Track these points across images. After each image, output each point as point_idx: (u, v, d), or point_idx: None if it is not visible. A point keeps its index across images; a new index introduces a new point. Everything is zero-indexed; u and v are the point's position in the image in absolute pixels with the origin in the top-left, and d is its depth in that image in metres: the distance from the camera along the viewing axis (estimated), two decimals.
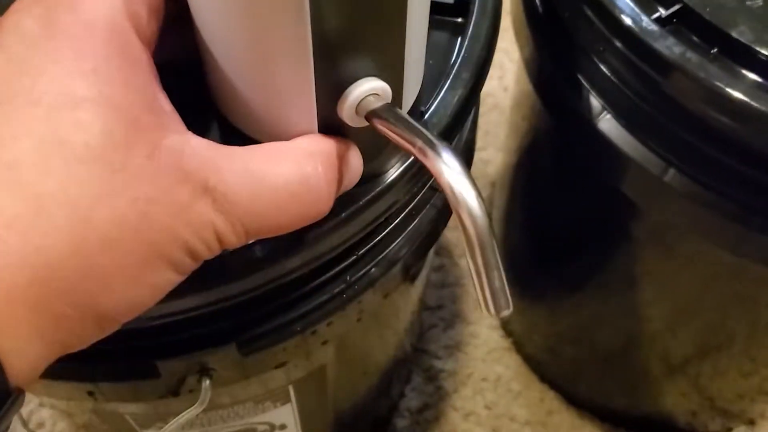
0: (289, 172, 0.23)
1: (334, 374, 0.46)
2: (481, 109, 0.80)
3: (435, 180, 0.22)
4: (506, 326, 0.69)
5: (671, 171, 0.36)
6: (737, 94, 0.31)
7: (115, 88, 0.21)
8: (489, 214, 0.21)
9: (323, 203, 0.24)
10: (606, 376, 0.62)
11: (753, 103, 0.31)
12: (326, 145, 0.24)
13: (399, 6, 0.22)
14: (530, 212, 0.58)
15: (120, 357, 0.32)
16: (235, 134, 0.27)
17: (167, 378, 0.32)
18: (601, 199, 0.45)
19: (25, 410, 0.57)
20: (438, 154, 0.22)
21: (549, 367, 0.66)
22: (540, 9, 0.40)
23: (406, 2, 0.22)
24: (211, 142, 0.23)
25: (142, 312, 0.23)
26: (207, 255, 0.23)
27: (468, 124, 0.36)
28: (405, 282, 0.44)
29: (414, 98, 0.28)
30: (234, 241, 0.23)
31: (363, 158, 0.27)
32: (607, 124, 0.37)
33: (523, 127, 0.52)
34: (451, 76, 0.31)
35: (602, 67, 0.36)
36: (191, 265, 0.23)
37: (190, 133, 0.23)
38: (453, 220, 0.75)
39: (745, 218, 0.35)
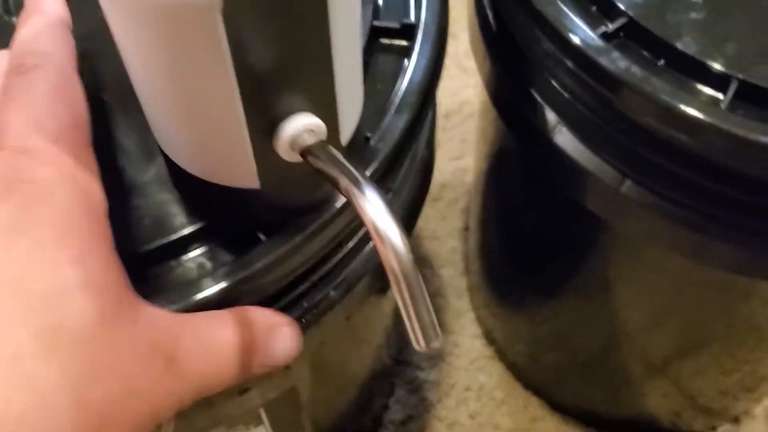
0: (232, 336, 0.26)
1: (308, 393, 0.46)
2: (458, 118, 0.80)
3: (361, 219, 0.23)
4: (488, 335, 0.69)
5: (627, 182, 0.36)
6: (683, 107, 0.31)
7: (99, 271, 0.22)
8: (412, 250, 0.22)
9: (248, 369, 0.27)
10: (588, 380, 0.62)
11: (699, 114, 0.31)
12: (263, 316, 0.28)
13: (322, 42, 0.22)
14: (502, 220, 0.58)
15: None
16: (180, 174, 0.27)
17: None
18: (564, 210, 0.45)
19: None
20: (362, 192, 0.23)
21: (532, 374, 0.66)
22: (493, 26, 0.40)
23: (329, 38, 0.22)
24: (168, 312, 0.25)
25: None
26: (166, 418, 0.25)
27: (421, 143, 0.37)
28: (367, 302, 0.44)
29: (353, 128, 0.28)
30: (188, 404, 0.25)
31: (309, 188, 0.28)
32: (563, 137, 0.37)
33: (490, 134, 0.52)
34: (397, 100, 0.31)
35: (554, 82, 0.36)
36: (150, 428, 0.24)
37: (150, 304, 0.25)
38: (426, 230, 0.75)
39: (703, 226, 0.36)
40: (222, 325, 0.26)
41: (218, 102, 0.23)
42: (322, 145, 0.24)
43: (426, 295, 0.22)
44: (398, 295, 0.22)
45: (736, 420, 0.64)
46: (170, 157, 0.27)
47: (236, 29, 0.20)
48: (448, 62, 0.84)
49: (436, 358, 0.68)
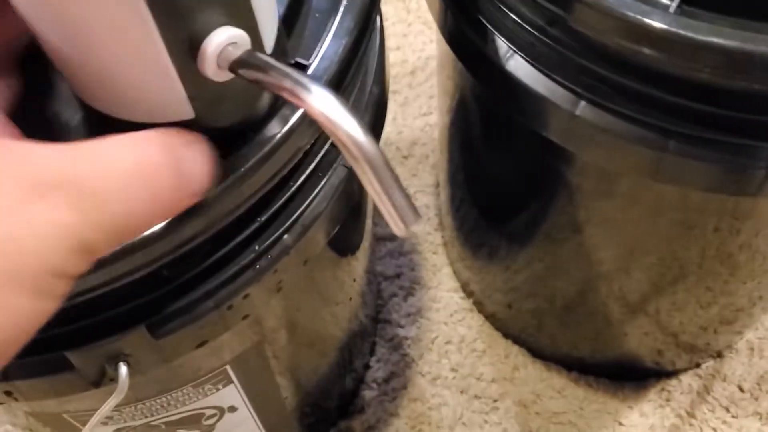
0: (136, 154, 0.21)
1: (277, 351, 0.45)
2: (424, 74, 0.79)
3: (312, 118, 0.22)
4: (466, 288, 0.68)
5: (581, 104, 0.35)
6: (631, 14, 0.30)
7: None
8: (375, 142, 0.21)
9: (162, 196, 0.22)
10: (567, 325, 0.62)
11: (648, 21, 0.30)
12: (171, 135, 0.23)
13: None
14: (468, 170, 0.57)
15: (29, 351, 0.31)
16: (101, 120, 0.26)
17: (83, 369, 0.31)
18: (527, 145, 0.44)
19: None
20: (307, 89, 0.22)
21: (511, 323, 0.65)
22: None
23: None
24: (51, 144, 0.21)
25: (13, 351, 0.20)
26: (73, 267, 0.20)
27: (369, 78, 0.35)
28: (331, 251, 0.43)
29: (274, 37, 0.27)
30: (99, 238, 0.21)
31: (244, 108, 0.27)
32: (515, 63, 0.36)
33: (449, 87, 0.51)
34: (334, 26, 0.30)
35: (502, 6, 0.35)
36: (57, 285, 0.20)
37: (25, 138, 0.21)
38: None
39: (661, 143, 0.35)
40: (121, 145, 0.21)
41: (132, 28, 0.21)
42: (250, 53, 0.22)
43: (397, 176, 0.21)
44: (369, 185, 0.21)
45: (719, 355, 0.63)
46: (91, 104, 0.26)
47: None
48: (412, 18, 0.83)
49: (415, 314, 0.67)
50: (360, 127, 0.21)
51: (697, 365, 0.63)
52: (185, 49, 0.23)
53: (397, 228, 0.22)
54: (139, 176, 0.21)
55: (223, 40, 0.22)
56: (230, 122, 0.26)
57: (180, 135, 0.23)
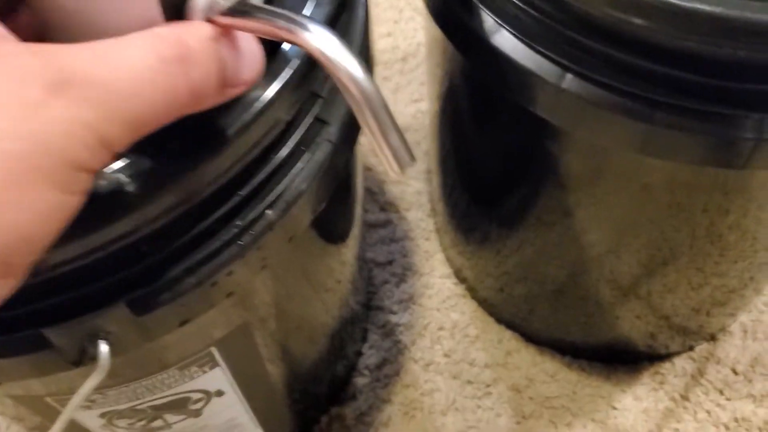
0: (148, 50, 0.21)
1: (265, 335, 0.44)
2: (415, 61, 0.79)
3: (312, 56, 0.21)
4: (458, 273, 0.68)
5: (568, 77, 0.35)
6: None
7: None
8: (372, 76, 0.21)
9: (200, 77, 0.22)
10: (559, 309, 0.61)
11: None
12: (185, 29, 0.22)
13: None
14: (459, 156, 0.57)
15: (6, 328, 0.30)
16: None
17: (63, 347, 0.31)
18: (517, 126, 0.44)
19: None
20: (305, 27, 0.21)
21: (503, 308, 0.65)
22: None
23: None
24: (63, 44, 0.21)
25: (42, 247, 0.21)
26: (94, 160, 0.21)
27: (354, 44, 0.35)
28: (322, 239, 0.43)
29: None
30: (116, 132, 0.21)
31: None
32: (501, 38, 0.36)
33: (438, 73, 0.51)
34: None
35: None
36: (80, 180, 0.21)
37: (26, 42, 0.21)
38: (389, 174, 0.73)
39: (648, 114, 0.34)
40: (134, 42, 0.21)
41: None
42: (242, 2, 0.22)
43: (393, 118, 0.21)
44: (365, 124, 0.21)
45: (712, 338, 0.63)
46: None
47: None
48: (403, 4, 0.82)
49: (408, 301, 0.67)
50: (360, 66, 0.21)
51: (691, 348, 0.63)
52: (173, 7, 0.22)
53: (391, 169, 0.22)
54: (151, 72, 0.21)
55: None
56: None
57: (194, 28, 0.23)
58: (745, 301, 0.61)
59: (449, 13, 0.40)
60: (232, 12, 0.22)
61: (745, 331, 0.63)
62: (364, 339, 0.66)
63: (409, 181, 0.72)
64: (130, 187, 0.26)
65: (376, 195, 0.72)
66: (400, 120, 0.76)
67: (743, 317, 0.63)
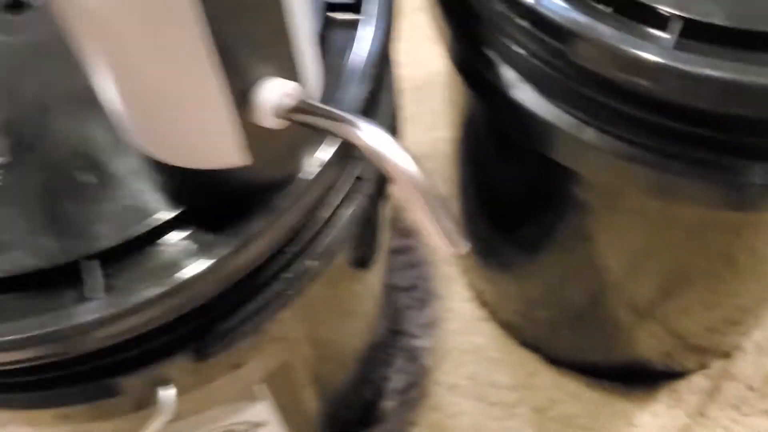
0: None
1: (304, 367, 0.47)
2: (430, 90, 0.82)
3: (364, 162, 0.24)
4: (480, 297, 0.71)
5: (587, 130, 0.37)
6: (630, 49, 0.32)
7: None
8: (425, 171, 0.23)
9: None
10: (580, 331, 0.64)
11: (646, 55, 0.32)
12: None
13: (278, 14, 0.24)
14: (479, 183, 0.59)
15: (81, 379, 0.33)
16: (162, 168, 0.28)
17: (129, 393, 0.34)
18: (534, 164, 0.47)
19: None
20: (361, 128, 0.24)
21: (525, 331, 0.68)
22: None
23: (291, 17, 0.24)
24: None
25: None
26: None
27: (385, 112, 0.38)
28: (353, 270, 0.45)
29: (321, 92, 0.29)
30: None
31: (284, 156, 0.29)
32: (522, 92, 0.39)
33: (457, 101, 0.53)
34: (356, 72, 0.32)
35: (508, 39, 0.38)
36: None
37: None
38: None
39: (662, 164, 0.37)
40: None
41: (199, 85, 0.24)
42: (305, 101, 0.25)
43: (446, 203, 0.23)
44: (420, 212, 0.23)
45: (727, 355, 0.65)
46: (150, 153, 0.28)
47: (214, 13, 0.22)
48: (417, 34, 0.85)
49: (431, 325, 0.70)
50: (414, 162, 0.23)
51: (706, 366, 0.65)
52: (245, 100, 0.25)
53: (445, 249, 0.24)
54: None
55: (279, 91, 0.25)
56: (280, 170, 0.29)
57: None
58: (759, 319, 0.63)
59: (470, 64, 0.43)
60: (296, 110, 0.25)
61: (759, 348, 0.65)
62: (390, 364, 0.68)
63: None
64: (199, 260, 0.29)
65: (397, 221, 0.75)
66: (418, 148, 0.78)
67: (757, 335, 0.66)
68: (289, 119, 0.25)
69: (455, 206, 0.69)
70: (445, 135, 0.78)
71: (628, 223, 0.49)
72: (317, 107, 0.25)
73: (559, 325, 0.65)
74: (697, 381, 0.64)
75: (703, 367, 0.65)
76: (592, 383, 0.65)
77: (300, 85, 0.26)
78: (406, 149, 0.23)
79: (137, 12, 0.22)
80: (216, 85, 0.24)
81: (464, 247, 0.24)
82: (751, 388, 0.63)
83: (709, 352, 0.64)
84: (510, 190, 0.55)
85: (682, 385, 0.64)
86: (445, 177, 0.76)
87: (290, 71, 0.26)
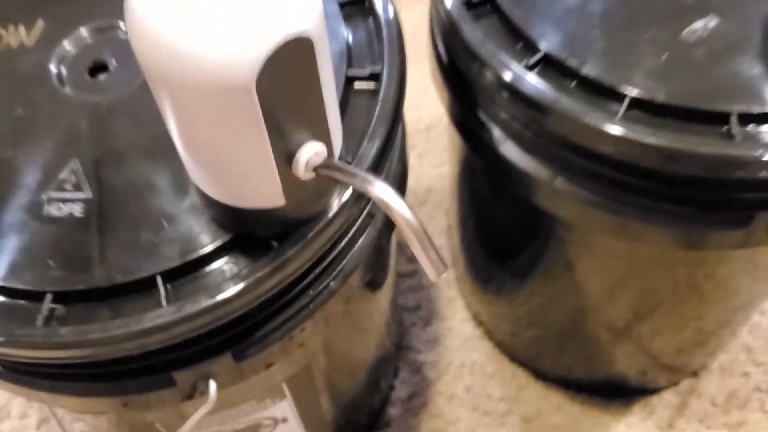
0: None
1: (321, 373, 0.55)
2: (438, 130, 0.90)
3: (374, 203, 0.32)
4: (476, 318, 0.78)
5: (558, 179, 0.46)
6: (586, 120, 0.41)
7: None
8: (418, 216, 0.31)
9: None
10: (564, 350, 0.72)
11: (602, 125, 0.40)
12: None
13: (319, 97, 0.32)
14: (475, 216, 0.67)
15: (144, 372, 0.41)
16: (217, 205, 0.37)
17: (182, 385, 0.42)
18: (520, 205, 0.55)
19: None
20: (374, 185, 0.32)
21: (516, 348, 0.75)
22: (445, 61, 0.50)
23: (322, 95, 0.32)
24: None
25: None
26: None
27: (394, 160, 0.46)
28: (365, 290, 0.54)
29: (339, 150, 0.38)
30: None
31: (312, 200, 0.37)
32: (506, 147, 0.47)
33: (456, 144, 0.62)
34: (369, 131, 0.41)
35: (495, 104, 0.46)
36: None
37: None
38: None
39: (619, 210, 0.45)
40: None
41: (253, 148, 0.32)
42: (331, 160, 0.33)
43: (432, 240, 0.31)
44: (413, 247, 0.31)
45: (695, 374, 0.73)
46: (207, 193, 0.37)
47: (266, 97, 0.30)
48: (428, 81, 0.94)
49: (433, 341, 0.78)
50: (409, 210, 0.31)
51: (676, 383, 0.73)
52: (286, 157, 0.33)
53: (432, 275, 0.32)
54: None
55: (312, 152, 0.33)
56: (302, 211, 0.37)
57: None
58: (722, 342, 0.71)
59: (466, 123, 0.51)
60: (323, 166, 0.33)
61: (723, 369, 0.73)
62: (395, 374, 0.76)
63: (432, 236, 0.83)
64: (241, 279, 0.37)
65: (405, 248, 0.83)
66: (424, 182, 0.87)
67: (722, 357, 0.73)
68: (318, 173, 0.33)
69: (456, 235, 0.77)
70: (449, 171, 0.86)
71: (601, 257, 0.57)
72: (339, 166, 0.33)
73: (546, 343, 0.72)
74: (668, 397, 0.72)
75: (673, 384, 0.73)
76: (574, 396, 0.73)
77: (327, 146, 0.35)
78: (404, 199, 0.32)
79: (213, 106, 0.30)
80: (267, 151, 0.32)
81: (445, 272, 0.32)
82: (714, 405, 0.71)
83: (679, 370, 0.72)
84: (501, 224, 0.63)
85: (654, 399, 0.72)
86: (447, 208, 0.84)
87: (321, 136, 0.34)
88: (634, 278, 0.59)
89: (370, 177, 0.32)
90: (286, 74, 0.30)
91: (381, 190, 0.32)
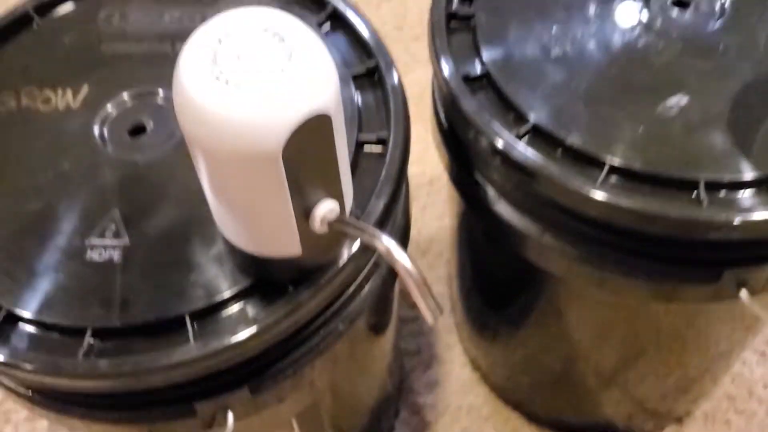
0: None
1: (328, 410, 0.60)
2: (440, 183, 0.95)
3: (379, 255, 0.37)
4: (474, 363, 0.83)
5: (546, 235, 0.51)
6: (569, 184, 0.46)
7: None
8: (418, 267, 0.36)
9: None
10: (556, 394, 0.76)
11: (580, 189, 0.45)
12: None
13: (334, 161, 0.37)
14: (473, 266, 0.72)
15: (168, 403, 0.46)
16: (241, 253, 0.42)
17: (203, 416, 0.46)
18: (513, 257, 0.59)
19: None
20: (380, 239, 0.37)
21: (511, 392, 0.80)
22: (445, 126, 0.55)
23: (337, 159, 0.37)
24: None
25: None
26: None
27: (398, 215, 0.51)
28: (369, 333, 0.58)
29: (350, 207, 0.43)
30: None
31: (326, 249, 0.42)
32: (500, 206, 0.52)
33: (455, 201, 0.67)
34: (376, 190, 0.46)
35: (489, 167, 0.51)
36: None
37: None
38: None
39: (601, 265, 0.50)
40: None
41: (276, 204, 0.37)
42: (342, 217, 0.38)
43: (430, 288, 0.36)
44: (413, 294, 0.36)
45: (679, 420, 0.77)
46: (232, 242, 0.42)
47: (290, 162, 0.35)
48: (430, 138, 1.00)
49: (433, 384, 0.82)
50: (411, 261, 0.36)
51: (662, 429, 0.77)
52: (304, 214, 0.38)
53: (430, 319, 0.37)
54: None
55: (327, 210, 0.38)
56: (317, 260, 0.42)
57: None
58: (704, 389, 0.75)
59: (462, 181, 0.56)
60: (335, 221, 0.38)
61: (706, 416, 0.77)
62: (396, 415, 0.80)
63: (433, 284, 0.88)
64: (259, 321, 0.42)
65: (407, 295, 0.88)
66: (426, 233, 0.92)
67: (705, 405, 0.77)
68: (331, 228, 0.38)
69: (455, 283, 0.82)
70: (449, 223, 0.91)
71: (588, 306, 0.62)
72: (350, 222, 0.38)
73: (538, 388, 0.77)
74: None
75: (659, 430, 0.77)
76: None
77: (340, 204, 0.40)
78: (406, 251, 0.36)
79: (244, 169, 0.36)
80: (288, 207, 0.37)
81: (439, 315, 0.37)
82: None
83: (664, 417, 0.76)
84: (496, 274, 0.68)
85: None
86: (448, 258, 0.89)
87: (335, 195, 0.39)
88: (619, 327, 0.64)
89: (377, 232, 0.37)
90: (307, 144, 0.35)
91: (385, 243, 0.37)
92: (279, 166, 0.35)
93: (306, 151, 0.36)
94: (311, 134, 0.35)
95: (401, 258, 0.36)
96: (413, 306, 0.87)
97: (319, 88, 0.35)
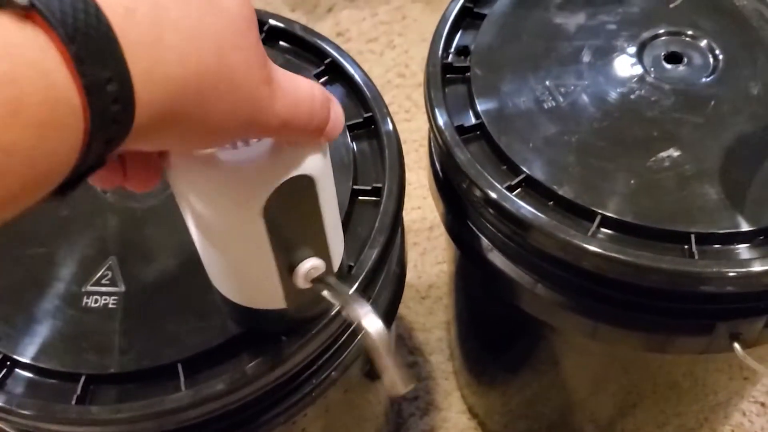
0: (306, 86, 0.33)
1: None
2: (440, 229, 0.96)
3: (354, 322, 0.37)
4: (471, 410, 0.83)
5: (539, 286, 0.51)
6: (561, 235, 0.46)
7: None
8: (388, 334, 0.36)
9: (321, 118, 0.34)
10: None
11: (572, 240, 0.46)
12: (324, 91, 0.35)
13: (319, 221, 0.38)
14: (470, 313, 0.73)
15: None
16: (231, 304, 0.42)
17: None
18: (508, 306, 0.60)
19: None
20: (351, 302, 0.37)
21: None
22: (441, 177, 0.56)
23: (322, 219, 0.38)
24: None
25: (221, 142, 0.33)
26: (257, 127, 0.31)
27: (393, 264, 0.52)
28: (364, 380, 0.58)
29: (339, 262, 0.43)
30: (272, 122, 0.31)
31: (313, 303, 0.42)
32: (493, 256, 0.52)
33: (452, 246, 0.67)
34: (370, 239, 0.47)
35: (483, 218, 0.52)
36: (249, 128, 0.30)
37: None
38: (417, 323, 0.91)
39: (592, 314, 0.50)
40: (301, 79, 0.33)
41: (259, 260, 0.38)
42: (324, 277, 0.39)
43: (396, 360, 0.36)
44: (379, 363, 0.36)
45: None
46: (224, 294, 0.42)
47: (272, 221, 0.36)
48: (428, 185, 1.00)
49: (429, 431, 0.81)
50: (383, 331, 0.36)
51: None
52: (288, 270, 0.39)
53: (396, 390, 0.36)
54: (306, 100, 0.33)
55: (309, 267, 0.39)
56: (303, 313, 0.43)
57: (330, 95, 0.35)
58: None
59: (458, 233, 0.57)
60: (319, 279, 0.38)
61: None
62: None
63: (432, 330, 0.88)
64: (249, 369, 0.42)
65: (406, 340, 0.88)
66: (426, 278, 0.92)
67: None
68: (313, 284, 0.39)
69: (453, 329, 0.82)
70: (448, 269, 0.92)
71: (583, 355, 0.62)
72: (329, 282, 0.38)
73: None
74: None
75: None
76: None
77: (325, 262, 0.40)
78: (383, 323, 0.36)
79: (227, 227, 0.36)
80: (271, 264, 0.38)
81: (410, 386, 0.36)
82: None
83: None
84: (492, 321, 0.68)
85: None
86: (446, 303, 0.90)
87: (321, 254, 0.40)
88: (614, 375, 0.64)
89: (354, 300, 0.37)
90: (289, 204, 0.36)
91: (358, 311, 0.36)
92: (260, 225, 0.35)
93: (289, 210, 0.36)
94: (293, 195, 0.35)
95: (370, 326, 0.36)
96: (412, 351, 0.87)
97: (301, 150, 0.35)
